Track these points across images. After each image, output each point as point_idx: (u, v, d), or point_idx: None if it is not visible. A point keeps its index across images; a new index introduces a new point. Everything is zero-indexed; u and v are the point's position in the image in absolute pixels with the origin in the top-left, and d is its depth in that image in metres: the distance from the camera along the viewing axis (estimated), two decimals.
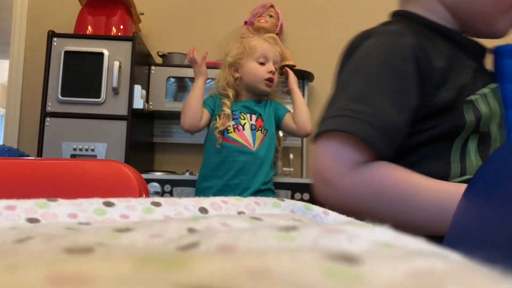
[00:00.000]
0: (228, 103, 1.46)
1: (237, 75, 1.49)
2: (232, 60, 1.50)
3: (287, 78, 1.60)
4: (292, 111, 1.55)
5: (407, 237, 0.17)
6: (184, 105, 1.49)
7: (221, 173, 1.42)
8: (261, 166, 1.43)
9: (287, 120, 1.53)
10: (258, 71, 1.45)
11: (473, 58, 0.69)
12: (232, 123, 1.45)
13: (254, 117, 1.48)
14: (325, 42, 2.26)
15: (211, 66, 1.66)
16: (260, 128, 1.47)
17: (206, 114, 1.48)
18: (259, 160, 1.43)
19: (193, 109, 1.44)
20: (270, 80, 1.46)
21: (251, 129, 1.46)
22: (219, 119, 1.45)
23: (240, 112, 1.47)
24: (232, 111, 1.47)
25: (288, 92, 1.57)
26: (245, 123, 1.46)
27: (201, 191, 1.48)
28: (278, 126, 1.58)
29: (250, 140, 1.45)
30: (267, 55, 1.46)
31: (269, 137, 1.48)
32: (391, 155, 0.60)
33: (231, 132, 1.44)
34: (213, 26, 2.22)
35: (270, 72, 1.45)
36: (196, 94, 1.46)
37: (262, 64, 1.46)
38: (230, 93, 1.48)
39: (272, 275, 0.11)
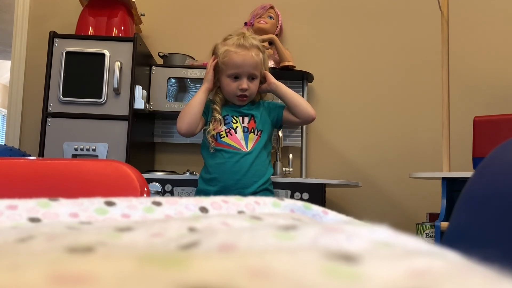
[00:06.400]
0: (217, 108, 1.47)
1: (219, 83, 1.49)
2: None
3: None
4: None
5: (406, 236, 0.17)
6: (184, 109, 1.48)
7: (217, 175, 1.43)
8: (255, 166, 1.43)
9: (286, 115, 1.51)
10: (230, 88, 1.44)
11: None
12: (224, 127, 1.45)
13: (246, 119, 1.48)
14: (325, 42, 2.26)
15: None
16: (252, 130, 1.47)
17: (201, 120, 1.48)
18: (253, 160, 1.43)
19: (193, 116, 1.43)
20: (242, 96, 1.45)
21: (243, 132, 1.46)
22: (211, 124, 1.45)
23: (232, 116, 1.47)
24: (224, 116, 1.47)
25: (268, 89, 1.50)
26: (237, 126, 1.46)
27: (200, 193, 1.48)
28: (278, 125, 1.57)
29: (243, 143, 1.45)
30: (238, 72, 1.43)
31: (264, 138, 1.48)
32: None
33: (224, 137, 1.45)
34: (214, 27, 2.22)
35: (241, 89, 1.43)
36: (198, 101, 1.44)
37: (236, 78, 1.44)
38: (217, 97, 1.48)
39: (271, 274, 0.11)
